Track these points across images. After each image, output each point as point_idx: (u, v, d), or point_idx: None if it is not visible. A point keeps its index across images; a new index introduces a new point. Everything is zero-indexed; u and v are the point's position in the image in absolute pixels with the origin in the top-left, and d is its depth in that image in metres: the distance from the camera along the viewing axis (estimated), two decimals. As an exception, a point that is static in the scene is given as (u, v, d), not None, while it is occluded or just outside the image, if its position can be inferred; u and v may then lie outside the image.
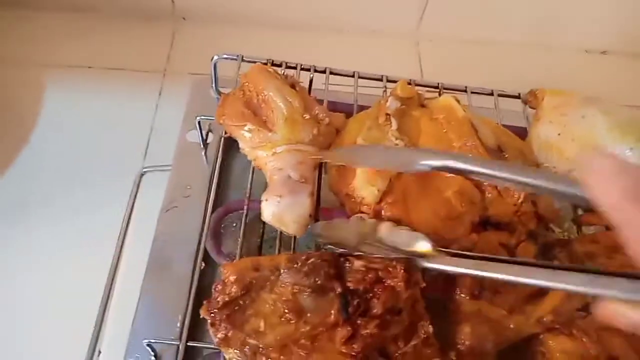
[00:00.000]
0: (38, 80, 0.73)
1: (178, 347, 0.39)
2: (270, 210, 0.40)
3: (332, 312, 0.37)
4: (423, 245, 0.38)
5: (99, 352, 0.52)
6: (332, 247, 0.40)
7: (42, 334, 0.52)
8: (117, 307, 0.53)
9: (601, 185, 0.25)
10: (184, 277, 0.48)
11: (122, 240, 0.56)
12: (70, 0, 0.80)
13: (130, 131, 0.69)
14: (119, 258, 0.55)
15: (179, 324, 0.44)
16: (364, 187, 0.46)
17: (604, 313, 0.28)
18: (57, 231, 0.59)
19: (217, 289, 0.36)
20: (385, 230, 0.40)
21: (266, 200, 0.41)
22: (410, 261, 0.40)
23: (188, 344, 0.39)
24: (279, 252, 0.46)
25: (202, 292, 0.44)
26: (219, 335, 0.35)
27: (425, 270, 0.39)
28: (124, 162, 0.65)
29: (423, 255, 0.38)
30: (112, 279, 0.54)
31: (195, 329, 0.44)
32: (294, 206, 0.40)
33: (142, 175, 0.58)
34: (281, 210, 0.40)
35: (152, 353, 0.42)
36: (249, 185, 0.49)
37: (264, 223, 0.50)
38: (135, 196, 0.57)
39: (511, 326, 0.40)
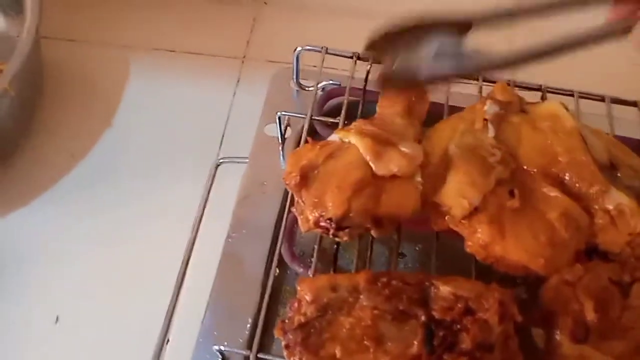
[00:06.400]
0: (122, 62, 0.74)
1: (248, 357, 0.38)
2: None
3: (415, 342, 0.33)
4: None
5: (168, 340, 0.52)
6: None
7: (113, 317, 0.53)
8: (188, 297, 0.53)
9: None
10: (255, 277, 0.46)
11: (196, 231, 0.55)
12: (155, -18, 0.80)
13: (208, 117, 0.69)
14: (192, 248, 0.55)
15: (248, 328, 0.43)
16: (454, 198, 0.42)
17: None
18: (133, 216, 0.59)
19: (292, 307, 0.34)
20: None
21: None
22: (505, 292, 0.36)
23: (259, 355, 0.38)
24: (357, 256, 0.44)
25: (272, 297, 0.42)
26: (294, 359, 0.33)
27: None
28: (201, 148, 0.65)
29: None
30: (185, 268, 0.53)
31: (265, 335, 0.42)
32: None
33: (217, 165, 0.57)
34: None
35: (220, 357, 0.41)
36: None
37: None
38: (210, 187, 0.56)
39: (620, 377, 0.35)
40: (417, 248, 0.53)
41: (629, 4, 0.33)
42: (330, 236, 0.40)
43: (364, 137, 0.41)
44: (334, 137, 0.43)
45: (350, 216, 0.39)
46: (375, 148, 0.40)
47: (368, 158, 0.40)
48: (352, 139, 0.41)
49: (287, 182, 0.40)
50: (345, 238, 0.41)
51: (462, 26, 0.36)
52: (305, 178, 0.39)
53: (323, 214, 0.38)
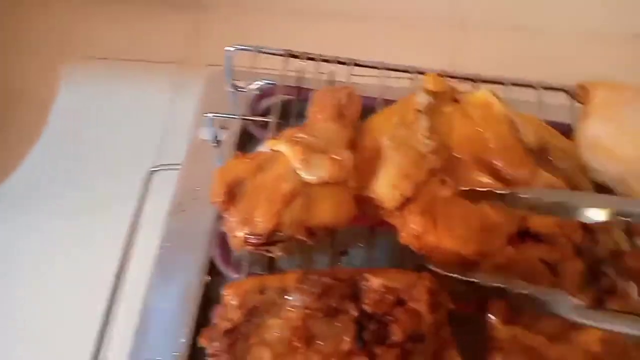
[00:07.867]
0: (53, 70, 0.71)
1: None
2: None
3: (346, 338, 0.32)
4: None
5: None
6: None
7: (44, 335, 0.50)
8: (124, 311, 0.51)
9: None
10: (190, 286, 0.45)
11: (130, 242, 0.53)
12: (86, -12, 0.78)
13: (144, 125, 0.67)
14: (125, 259, 0.53)
15: (183, 340, 0.41)
16: (386, 189, 0.41)
17: None
18: (65, 228, 0.57)
19: (218, 314, 0.32)
20: None
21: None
22: (435, 279, 0.35)
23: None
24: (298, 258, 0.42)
25: (209, 306, 0.40)
26: (219, 367, 0.31)
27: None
28: (136, 158, 0.63)
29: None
30: (117, 281, 0.51)
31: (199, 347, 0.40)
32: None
33: (151, 173, 0.55)
34: None
35: (153, 371, 0.39)
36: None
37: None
38: (144, 196, 0.54)
39: (552, 356, 0.35)
40: (360, 245, 0.52)
41: None
42: (264, 252, 0.38)
43: (293, 145, 0.39)
44: (265, 147, 0.42)
45: (282, 230, 0.37)
46: (303, 156, 0.39)
47: (297, 166, 0.38)
48: (281, 148, 0.40)
49: (213, 202, 0.38)
50: (279, 253, 0.39)
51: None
52: (233, 195, 0.37)
53: (252, 230, 0.36)
